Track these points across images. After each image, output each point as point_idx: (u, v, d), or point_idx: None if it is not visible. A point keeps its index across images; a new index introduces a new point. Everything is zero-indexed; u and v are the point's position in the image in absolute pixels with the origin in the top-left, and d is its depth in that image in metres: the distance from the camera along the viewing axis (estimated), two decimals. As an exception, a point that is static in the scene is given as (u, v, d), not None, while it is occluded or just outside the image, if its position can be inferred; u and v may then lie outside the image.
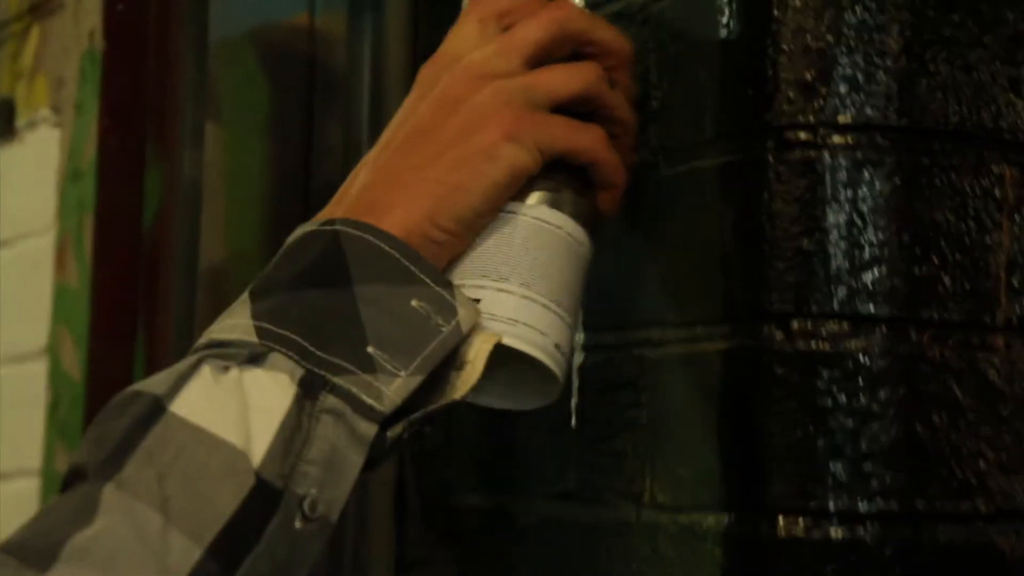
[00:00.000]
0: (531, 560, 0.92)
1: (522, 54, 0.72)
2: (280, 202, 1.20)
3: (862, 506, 0.75)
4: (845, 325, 0.76)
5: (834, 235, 0.77)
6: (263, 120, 1.25)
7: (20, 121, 1.62)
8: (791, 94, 0.78)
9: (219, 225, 1.26)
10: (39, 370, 1.51)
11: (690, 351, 0.82)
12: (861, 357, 0.76)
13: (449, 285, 0.68)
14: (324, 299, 0.66)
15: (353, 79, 1.13)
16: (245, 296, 0.68)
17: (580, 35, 0.74)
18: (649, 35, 0.85)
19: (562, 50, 0.74)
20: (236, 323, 0.66)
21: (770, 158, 0.78)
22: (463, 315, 0.67)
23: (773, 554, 0.76)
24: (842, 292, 0.77)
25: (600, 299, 0.86)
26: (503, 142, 0.69)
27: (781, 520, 0.75)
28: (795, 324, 0.77)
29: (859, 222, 0.77)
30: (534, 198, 0.72)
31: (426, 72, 0.74)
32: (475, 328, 0.68)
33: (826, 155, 0.77)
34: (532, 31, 0.72)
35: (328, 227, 0.68)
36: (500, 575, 0.95)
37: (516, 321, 0.69)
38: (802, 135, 0.78)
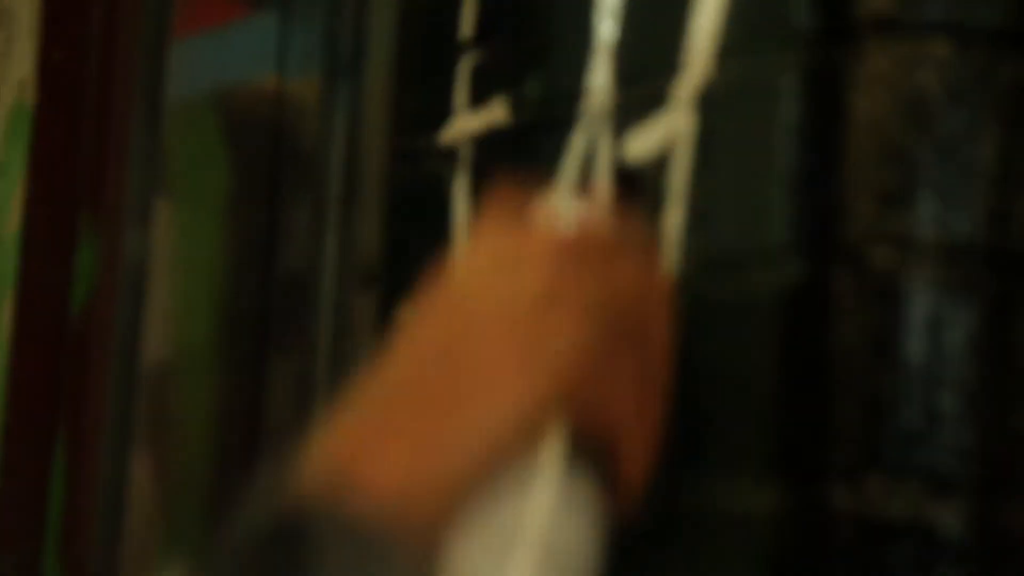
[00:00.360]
0: None
1: (544, 288, 0.65)
2: (239, 292, 1.08)
3: None
4: (926, 488, 0.64)
5: (915, 377, 0.65)
6: (221, 197, 1.14)
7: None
8: (866, 205, 0.66)
9: (166, 317, 1.13)
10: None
11: (728, 509, 0.69)
12: (945, 527, 0.65)
13: None
14: None
15: (324, 153, 1.02)
16: None
17: (603, 261, 0.67)
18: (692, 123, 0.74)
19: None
20: None
21: (839, 280, 0.66)
22: None
23: None
24: (923, 447, 0.64)
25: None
26: (511, 397, 0.63)
27: None
28: (867, 484, 0.64)
29: (945, 362, 0.65)
30: (551, 466, 0.64)
31: (428, 309, 0.67)
32: None
33: (908, 280, 0.65)
34: (549, 265, 0.66)
35: (291, 511, 0.61)
36: None
37: None
38: (879, 254, 0.66)
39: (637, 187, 0.77)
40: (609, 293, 0.67)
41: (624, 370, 0.67)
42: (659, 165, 0.74)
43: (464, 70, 0.89)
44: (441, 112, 0.89)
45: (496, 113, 0.86)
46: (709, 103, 0.74)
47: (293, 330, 1.00)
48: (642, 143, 0.75)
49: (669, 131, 0.73)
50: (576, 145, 0.76)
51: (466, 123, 0.88)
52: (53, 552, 1.22)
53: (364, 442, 0.62)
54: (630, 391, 0.67)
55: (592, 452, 0.66)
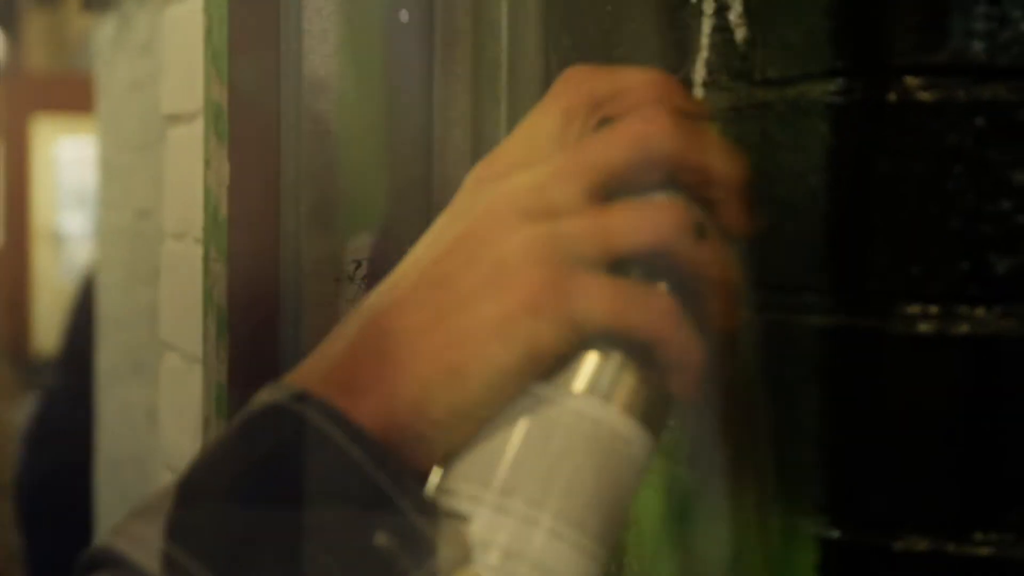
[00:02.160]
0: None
1: (586, 182, 0.57)
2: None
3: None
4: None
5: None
6: None
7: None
8: None
9: None
10: (198, 251, 1.36)
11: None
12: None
13: (431, 509, 0.56)
14: (262, 521, 0.54)
15: None
16: (173, 486, 0.56)
17: (671, 160, 0.58)
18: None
19: (647, 176, 0.58)
20: (145, 533, 0.54)
21: None
22: (443, 556, 0.54)
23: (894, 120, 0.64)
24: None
25: None
26: (522, 314, 0.56)
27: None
28: None
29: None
30: (571, 381, 0.58)
31: (475, 176, 0.60)
32: (458, 572, 0.55)
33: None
34: (604, 150, 0.58)
35: (291, 410, 0.56)
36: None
37: (515, 556, 0.56)
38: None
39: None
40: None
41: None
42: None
43: None
44: None
45: None
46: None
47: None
48: None
49: None
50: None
51: None
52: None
53: (350, 373, 0.57)
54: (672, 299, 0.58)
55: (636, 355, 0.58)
